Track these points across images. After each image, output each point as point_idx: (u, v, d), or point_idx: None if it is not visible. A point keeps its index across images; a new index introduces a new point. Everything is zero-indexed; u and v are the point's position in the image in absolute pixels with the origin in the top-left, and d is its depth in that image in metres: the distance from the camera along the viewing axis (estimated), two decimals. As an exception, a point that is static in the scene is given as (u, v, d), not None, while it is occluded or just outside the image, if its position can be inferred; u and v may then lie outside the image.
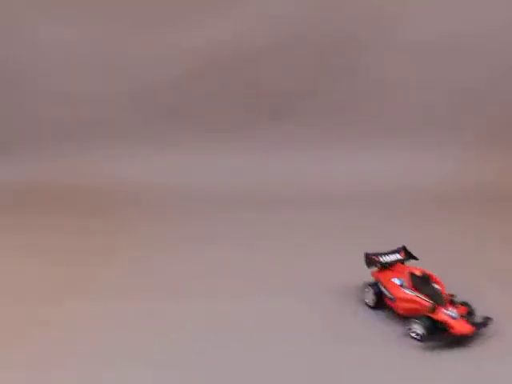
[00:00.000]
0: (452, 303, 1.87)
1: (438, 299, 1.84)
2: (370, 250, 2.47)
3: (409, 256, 2.15)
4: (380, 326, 1.95)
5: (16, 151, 4.16)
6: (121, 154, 4.13)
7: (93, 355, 1.90)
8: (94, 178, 3.99)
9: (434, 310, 1.80)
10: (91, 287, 2.42)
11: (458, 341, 1.79)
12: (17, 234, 3.13)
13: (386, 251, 2.19)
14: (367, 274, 2.21)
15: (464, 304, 1.90)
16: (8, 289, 2.44)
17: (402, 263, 2.12)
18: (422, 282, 1.91)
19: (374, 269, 2.15)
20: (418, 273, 1.95)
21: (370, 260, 2.14)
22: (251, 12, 3.86)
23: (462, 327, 1.77)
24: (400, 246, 2.21)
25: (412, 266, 2.11)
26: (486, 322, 1.86)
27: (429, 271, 2.01)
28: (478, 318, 1.89)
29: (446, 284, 2.07)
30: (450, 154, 3.97)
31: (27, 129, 4.21)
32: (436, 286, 1.92)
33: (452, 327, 1.75)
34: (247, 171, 3.95)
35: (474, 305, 1.99)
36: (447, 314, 1.79)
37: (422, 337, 1.78)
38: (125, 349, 1.93)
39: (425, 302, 1.83)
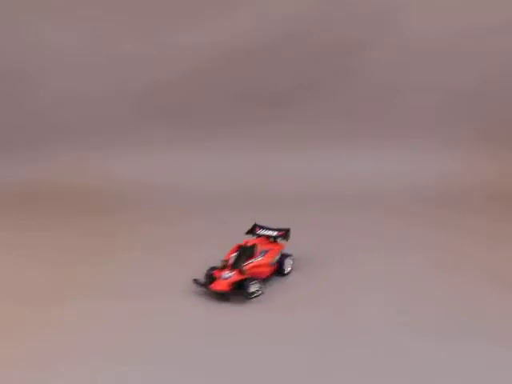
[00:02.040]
0: (238, 269, 2.31)
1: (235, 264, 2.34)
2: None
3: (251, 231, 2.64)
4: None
5: (16, 151, 4.17)
6: (121, 154, 4.13)
7: (93, 355, 1.90)
8: (94, 177, 4.00)
9: (222, 268, 2.33)
10: (91, 287, 2.42)
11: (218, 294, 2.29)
12: (17, 234, 3.13)
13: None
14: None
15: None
16: (8, 289, 2.44)
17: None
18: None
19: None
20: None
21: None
22: (251, 12, 3.86)
23: (218, 285, 2.26)
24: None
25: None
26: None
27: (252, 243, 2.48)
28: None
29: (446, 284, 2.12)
30: (450, 153, 3.97)
31: (27, 129, 4.22)
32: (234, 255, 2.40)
33: (211, 284, 2.28)
34: (247, 171, 3.96)
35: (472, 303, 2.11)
36: (221, 274, 2.30)
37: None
38: (125, 348, 1.94)
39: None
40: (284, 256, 2.52)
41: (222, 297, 2.25)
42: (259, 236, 2.59)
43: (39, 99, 4.15)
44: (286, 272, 2.51)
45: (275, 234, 2.59)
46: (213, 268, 2.35)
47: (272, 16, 3.86)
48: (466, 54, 3.85)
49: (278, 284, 2.43)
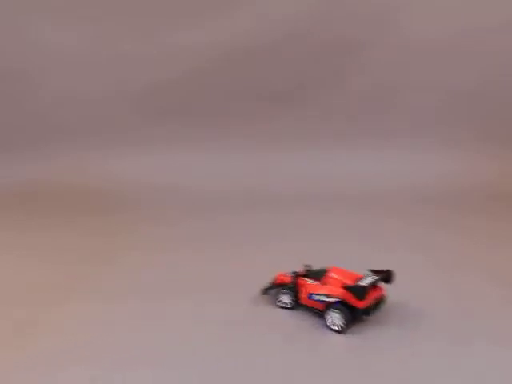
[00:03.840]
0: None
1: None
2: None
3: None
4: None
5: (16, 151, 4.17)
6: (121, 154, 4.13)
7: (92, 354, 1.90)
8: (94, 177, 4.00)
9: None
10: (91, 287, 2.42)
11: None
12: (17, 234, 3.13)
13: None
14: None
15: None
16: (8, 289, 2.44)
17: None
18: None
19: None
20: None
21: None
22: (251, 12, 3.86)
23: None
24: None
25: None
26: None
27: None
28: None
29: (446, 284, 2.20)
30: (450, 154, 3.97)
31: (27, 129, 4.22)
32: None
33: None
34: (247, 171, 3.95)
35: (472, 303, 2.13)
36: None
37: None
38: (124, 348, 1.94)
39: None
40: (334, 307, 2.01)
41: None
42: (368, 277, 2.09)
43: (39, 99, 4.15)
44: (331, 326, 2.02)
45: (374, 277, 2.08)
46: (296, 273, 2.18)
47: (272, 16, 3.86)
48: (466, 54, 3.85)
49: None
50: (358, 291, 1.98)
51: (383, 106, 4.02)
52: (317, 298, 2.08)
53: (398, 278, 2.48)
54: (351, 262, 2.65)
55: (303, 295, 2.13)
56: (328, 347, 1.90)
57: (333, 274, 2.10)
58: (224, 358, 1.87)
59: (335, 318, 2.01)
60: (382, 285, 2.11)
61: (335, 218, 3.29)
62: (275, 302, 2.20)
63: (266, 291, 2.26)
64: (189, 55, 3.95)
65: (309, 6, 3.82)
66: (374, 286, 2.05)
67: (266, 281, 2.43)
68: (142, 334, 2.03)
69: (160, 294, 2.35)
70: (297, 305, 2.15)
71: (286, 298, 2.18)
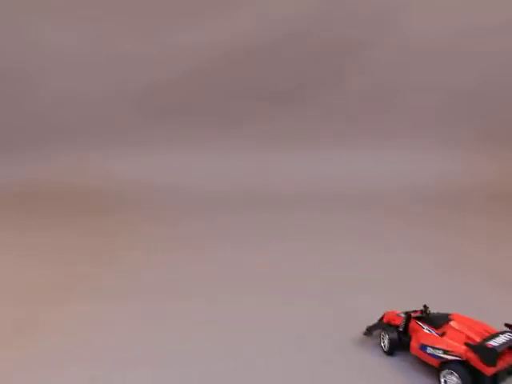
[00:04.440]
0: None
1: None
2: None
3: None
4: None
5: (16, 151, 4.17)
6: (121, 154, 4.13)
7: (92, 355, 1.90)
8: (94, 177, 3.99)
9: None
10: (91, 287, 2.42)
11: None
12: (17, 234, 3.13)
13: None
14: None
15: None
16: (8, 289, 2.44)
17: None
18: None
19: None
20: None
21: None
22: (251, 12, 3.86)
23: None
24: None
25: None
26: None
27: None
28: None
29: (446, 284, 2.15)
30: (450, 154, 3.97)
31: (27, 129, 4.22)
32: None
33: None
34: (247, 171, 3.95)
35: (472, 304, 2.07)
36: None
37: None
38: (124, 348, 1.93)
39: None
40: (452, 367, 1.59)
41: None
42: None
43: (39, 99, 4.15)
44: None
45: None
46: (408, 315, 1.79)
47: (272, 16, 3.86)
48: (466, 54, 3.85)
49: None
50: (487, 355, 1.53)
51: (383, 106, 4.02)
52: (431, 351, 1.65)
53: (398, 278, 2.48)
54: (351, 262, 2.65)
55: (414, 343, 1.72)
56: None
57: (454, 324, 1.69)
58: (224, 358, 1.87)
59: (451, 382, 1.59)
60: None
61: (335, 217, 3.29)
62: (380, 342, 1.87)
63: (369, 332, 1.90)
64: (189, 55, 3.95)
65: (309, 6, 3.82)
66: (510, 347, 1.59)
67: (267, 282, 2.43)
68: (142, 334, 2.03)
69: (160, 293, 2.35)
70: (403, 351, 1.78)
71: (388, 342, 1.81)
